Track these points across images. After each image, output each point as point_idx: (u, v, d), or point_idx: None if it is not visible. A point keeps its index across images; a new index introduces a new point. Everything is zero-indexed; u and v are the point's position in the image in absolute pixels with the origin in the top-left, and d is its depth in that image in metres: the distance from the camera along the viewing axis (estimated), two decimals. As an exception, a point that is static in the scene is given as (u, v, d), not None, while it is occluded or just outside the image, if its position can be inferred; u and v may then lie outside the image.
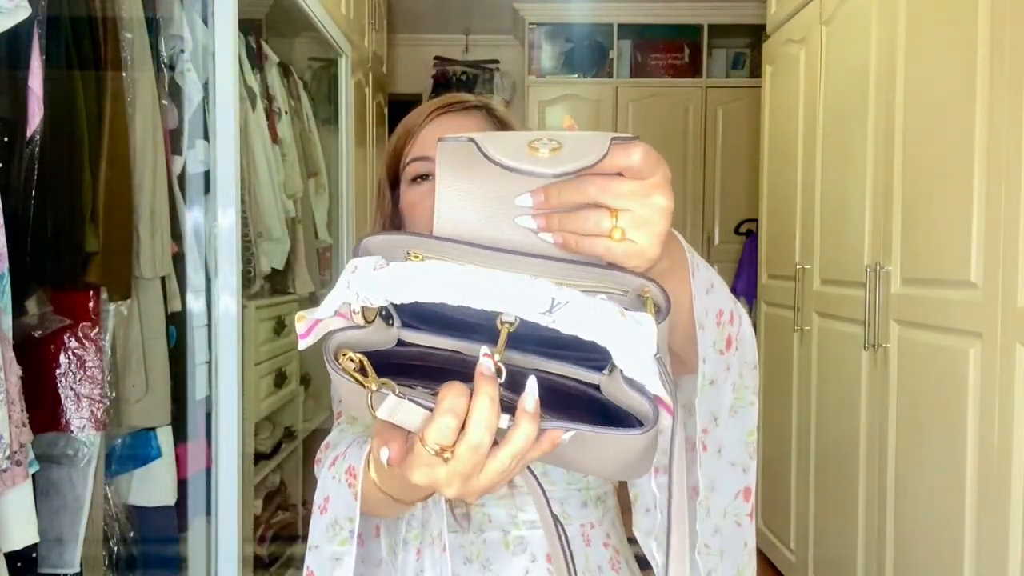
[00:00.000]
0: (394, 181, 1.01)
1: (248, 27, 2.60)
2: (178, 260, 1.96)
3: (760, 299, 3.08)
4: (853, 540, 2.16)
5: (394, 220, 1.03)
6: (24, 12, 1.42)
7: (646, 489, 0.79)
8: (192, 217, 2.04)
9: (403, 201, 0.98)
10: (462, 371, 0.55)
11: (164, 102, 1.92)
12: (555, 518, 0.66)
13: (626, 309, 0.50)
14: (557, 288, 0.50)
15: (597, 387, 0.57)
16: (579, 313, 0.49)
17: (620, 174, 0.53)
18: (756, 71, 4.34)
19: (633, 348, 0.49)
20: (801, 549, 2.61)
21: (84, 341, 1.63)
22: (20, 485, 1.38)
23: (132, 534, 1.88)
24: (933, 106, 1.77)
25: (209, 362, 2.00)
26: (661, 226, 0.54)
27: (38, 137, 1.51)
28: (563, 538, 0.66)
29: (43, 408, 1.57)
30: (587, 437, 0.50)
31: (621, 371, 0.51)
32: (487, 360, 0.50)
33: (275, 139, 2.72)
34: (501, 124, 1.00)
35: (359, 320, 0.57)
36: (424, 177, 0.95)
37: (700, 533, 0.75)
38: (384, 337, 0.59)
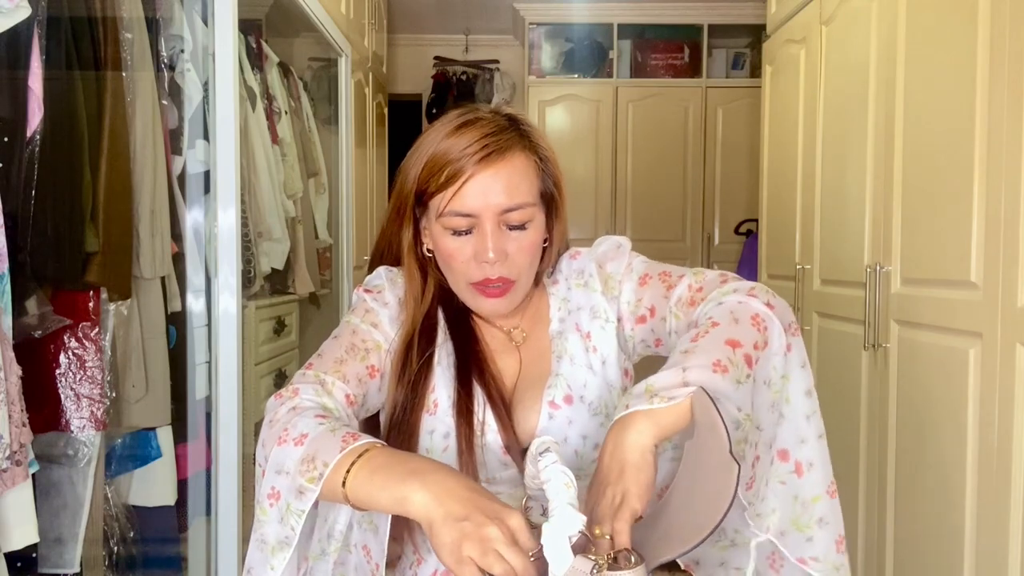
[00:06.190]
0: (418, 199, 1.00)
1: (248, 27, 2.60)
2: (178, 260, 1.96)
3: (760, 299, 3.08)
4: (853, 540, 2.16)
5: (416, 244, 1.04)
6: (24, 12, 1.42)
7: None
8: (192, 217, 2.04)
9: (438, 242, 0.99)
10: None
11: (164, 102, 1.92)
12: None
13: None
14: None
15: None
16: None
17: None
18: (756, 71, 4.33)
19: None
20: (801, 549, 2.61)
21: (84, 341, 1.63)
22: (20, 485, 1.38)
23: (132, 534, 1.88)
24: (933, 106, 1.77)
25: (209, 362, 1.99)
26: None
27: (38, 137, 1.51)
28: None
29: (43, 408, 1.57)
30: None
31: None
32: None
33: (275, 139, 2.72)
34: (537, 154, 1.00)
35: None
36: (466, 232, 0.96)
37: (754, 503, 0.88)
38: None
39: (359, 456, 0.78)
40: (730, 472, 0.72)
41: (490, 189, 0.94)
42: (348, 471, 0.77)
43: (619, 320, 1.04)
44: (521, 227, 0.97)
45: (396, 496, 0.74)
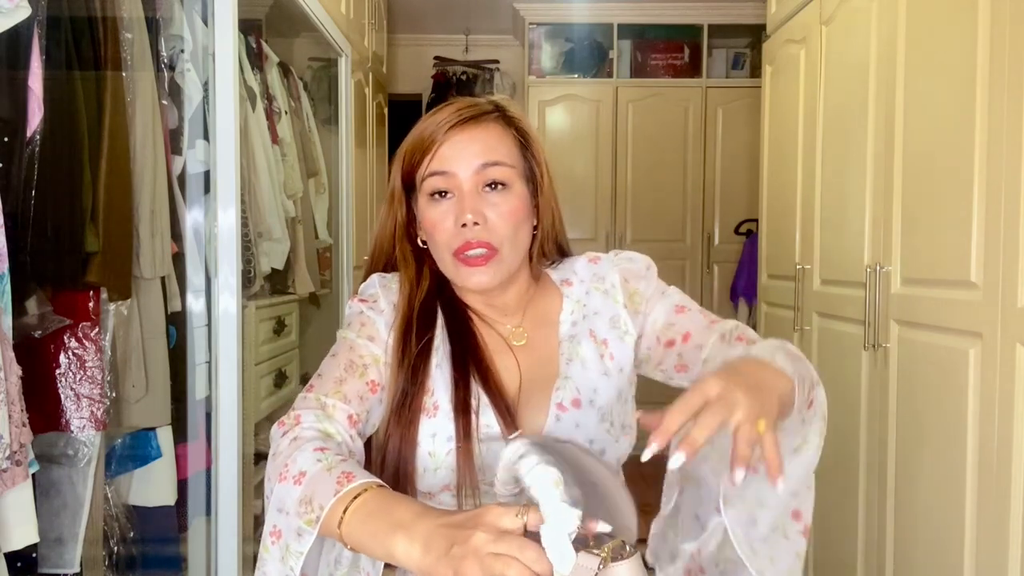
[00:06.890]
0: (407, 186, 1.03)
1: (248, 27, 2.60)
2: (178, 260, 1.96)
3: (760, 299, 3.08)
4: (853, 540, 2.16)
5: (409, 227, 1.06)
6: (24, 12, 1.42)
7: None
8: (192, 217, 2.04)
9: (423, 215, 1.01)
10: None
11: (164, 102, 1.92)
12: None
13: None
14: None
15: None
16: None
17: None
18: (756, 71, 4.33)
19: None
20: (801, 549, 2.61)
21: (84, 341, 1.63)
22: (20, 485, 1.38)
23: (132, 534, 1.88)
24: (933, 106, 1.77)
25: (209, 362, 1.99)
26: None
27: (38, 137, 1.51)
28: None
29: (43, 408, 1.57)
30: None
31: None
32: None
33: (275, 139, 2.72)
34: (515, 127, 1.02)
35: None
36: (443, 193, 0.98)
37: (744, 537, 0.85)
38: None
39: (353, 499, 0.79)
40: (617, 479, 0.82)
41: (465, 149, 0.98)
42: (344, 513, 0.78)
43: (639, 337, 1.05)
44: (500, 188, 0.98)
45: (386, 548, 0.75)
